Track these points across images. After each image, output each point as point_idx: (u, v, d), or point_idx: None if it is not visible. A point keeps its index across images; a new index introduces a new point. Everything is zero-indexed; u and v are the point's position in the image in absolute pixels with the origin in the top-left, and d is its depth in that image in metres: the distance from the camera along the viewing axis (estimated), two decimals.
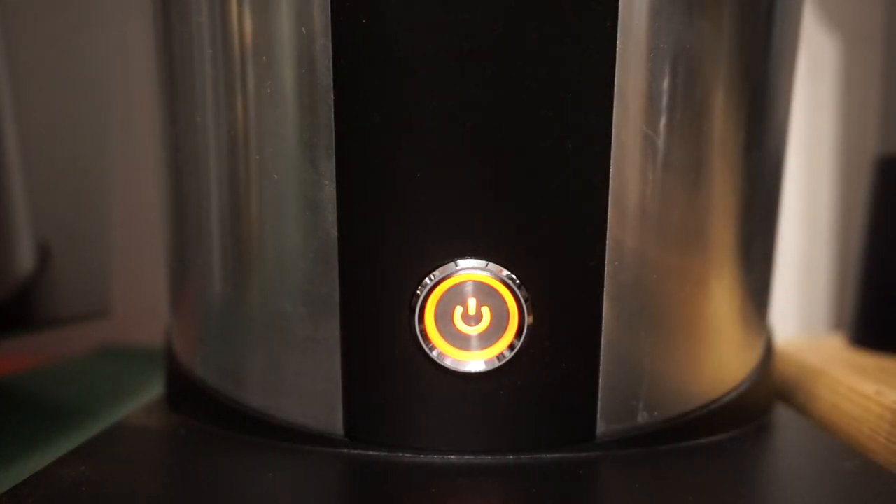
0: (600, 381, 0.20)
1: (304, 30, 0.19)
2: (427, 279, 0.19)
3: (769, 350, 0.25)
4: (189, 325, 0.24)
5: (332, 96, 0.19)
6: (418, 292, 0.19)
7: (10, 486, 0.18)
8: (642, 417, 0.21)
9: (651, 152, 0.19)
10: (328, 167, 0.19)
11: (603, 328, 0.20)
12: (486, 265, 0.19)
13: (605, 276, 0.19)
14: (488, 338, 0.20)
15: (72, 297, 0.37)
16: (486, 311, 0.19)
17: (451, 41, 0.18)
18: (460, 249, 0.19)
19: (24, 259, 0.32)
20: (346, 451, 0.21)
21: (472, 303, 0.19)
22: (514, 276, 0.19)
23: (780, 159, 0.24)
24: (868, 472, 0.20)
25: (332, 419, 0.21)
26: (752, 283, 0.23)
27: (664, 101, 0.19)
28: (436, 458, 0.20)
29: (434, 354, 0.19)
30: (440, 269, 0.19)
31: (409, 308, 0.19)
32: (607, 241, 0.19)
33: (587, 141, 0.19)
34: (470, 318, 0.20)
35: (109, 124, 0.41)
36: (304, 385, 0.21)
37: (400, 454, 0.20)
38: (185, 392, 0.24)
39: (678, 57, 0.19)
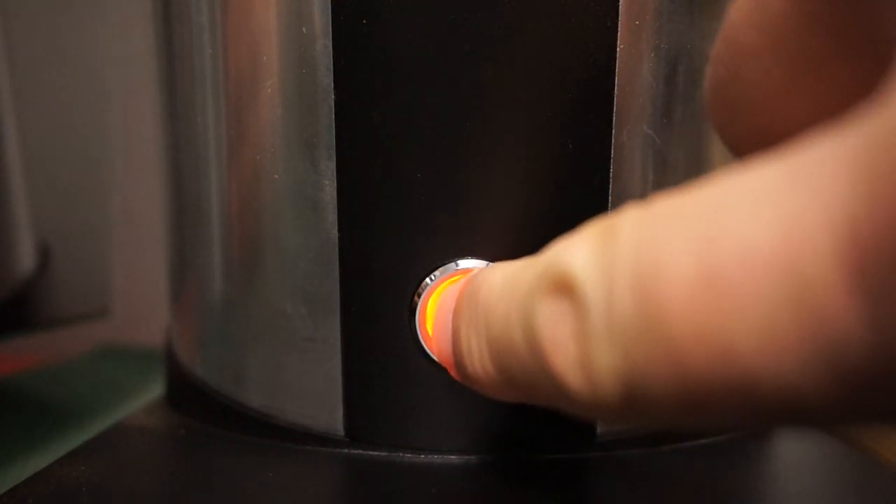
0: None
1: (304, 30, 0.19)
2: (427, 279, 0.19)
3: None
4: (189, 325, 0.24)
5: (333, 96, 0.19)
6: (419, 293, 0.19)
7: (10, 486, 0.18)
8: None
9: (651, 152, 0.19)
10: (328, 167, 0.19)
11: None
12: (487, 266, 0.19)
13: None
14: None
15: (72, 297, 0.37)
16: None
17: (451, 41, 0.18)
18: (461, 250, 0.19)
19: (25, 259, 0.32)
20: (346, 451, 0.21)
21: None
22: None
23: None
24: (868, 473, 0.20)
25: (332, 419, 0.21)
26: None
27: (664, 101, 0.19)
28: (436, 459, 0.20)
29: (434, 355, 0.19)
30: (440, 269, 0.19)
31: (409, 309, 0.19)
32: None
33: (587, 141, 0.19)
34: None
35: (109, 124, 0.41)
36: (305, 385, 0.21)
37: (400, 454, 0.20)
38: (185, 392, 0.24)
39: (679, 57, 0.19)
